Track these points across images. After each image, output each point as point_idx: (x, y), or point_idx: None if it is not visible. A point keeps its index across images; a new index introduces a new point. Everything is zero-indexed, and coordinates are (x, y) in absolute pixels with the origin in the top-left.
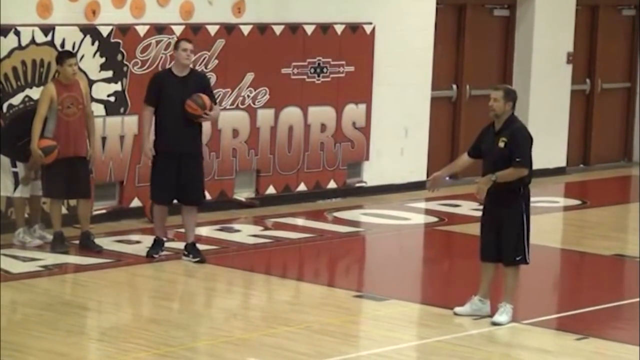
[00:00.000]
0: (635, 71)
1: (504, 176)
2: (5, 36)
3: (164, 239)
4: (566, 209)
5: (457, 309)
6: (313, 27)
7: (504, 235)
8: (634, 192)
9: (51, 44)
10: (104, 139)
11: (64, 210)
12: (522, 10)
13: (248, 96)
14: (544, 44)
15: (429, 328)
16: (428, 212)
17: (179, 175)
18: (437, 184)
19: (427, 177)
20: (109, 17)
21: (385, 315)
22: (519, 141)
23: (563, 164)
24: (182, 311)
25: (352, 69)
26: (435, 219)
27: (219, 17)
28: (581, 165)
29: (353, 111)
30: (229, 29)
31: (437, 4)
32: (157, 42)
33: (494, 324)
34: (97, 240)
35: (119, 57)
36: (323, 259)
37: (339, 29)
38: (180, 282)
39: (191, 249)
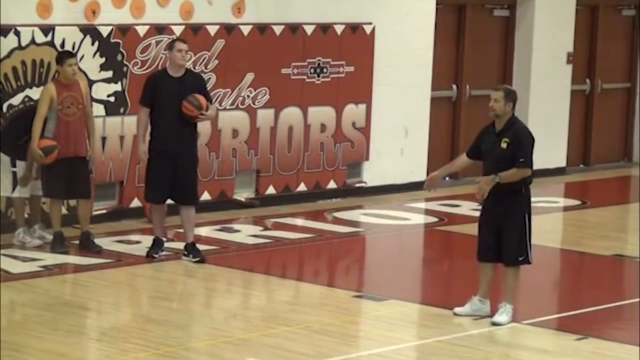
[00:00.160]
0: (635, 71)
1: (508, 177)
2: (5, 36)
3: (164, 238)
4: (566, 209)
5: (457, 309)
6: (313, 27)
7: (505, 235)
8: (634, 192)
9: (51, 44)
10: (104, 139)
11: (63, 211)
12: (522, 10)
13: (248, 96)
14: (544, 44)
15: (429, 328)
16: (428, 212)
17: (173, 175)
18: (434, 184)
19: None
20: (109, 17)
21: (384, 315)
22: (522, 142)
23: (563, 164)
24: (182, 311)
25: (352, 69)
26: (435, 219)
27: (218, 17)
28: (581, 166)
29: (353, 111)
30: (228, 29)
31: (437, 4)
32: (157, 42)
33: (494, 324)
34: (97, 241)
35: (119, 57)
36: (323, 259)
37: (339, 29)
38: (180, 282)
39: (191, 249)
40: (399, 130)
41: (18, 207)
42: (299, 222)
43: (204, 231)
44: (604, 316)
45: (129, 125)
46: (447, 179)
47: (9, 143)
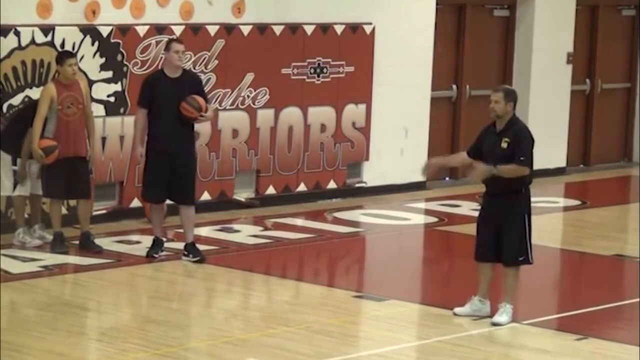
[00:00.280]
0: (635, 71)
1: (505, 171)
2: (5, 36)
3: (163, 238)
4: (566, 209)
5: (457, 310)
6: (313, 27)
7: (505, 235)
8: (634, 192)
9: (51, 44)
10: (104, 139)
11: (63, 211)
12: (522, 10)
13: (248, 96)
14: (544, 44)
15: (429, 328)
16: (428, 212)
17: (171, 175)
18: (431, 170)
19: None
20: (109, 18)
21: (384, 315)
22: (522, 141)
23: (563, 164)
24: (182, 311)
25: (352, 69)
26: (435, 219)
27: (218, 17)
28: (581, 166)
29: (353, 111)
30: (228, 29)
31: (437, 4)
32: (157, 43)
33: (494, 324)
34: (97, 241)
35: (119, 57)
36: (323, 259)
37: (338, 29)
38: (179, 283)
39: (190, 249)
40: (399, 130)
41: (18, 207)
42: (299, 222)
43: (204, 231)
44: (604, 316)
45: (129, 126)
46: (447, 179)
47: (10, 141)
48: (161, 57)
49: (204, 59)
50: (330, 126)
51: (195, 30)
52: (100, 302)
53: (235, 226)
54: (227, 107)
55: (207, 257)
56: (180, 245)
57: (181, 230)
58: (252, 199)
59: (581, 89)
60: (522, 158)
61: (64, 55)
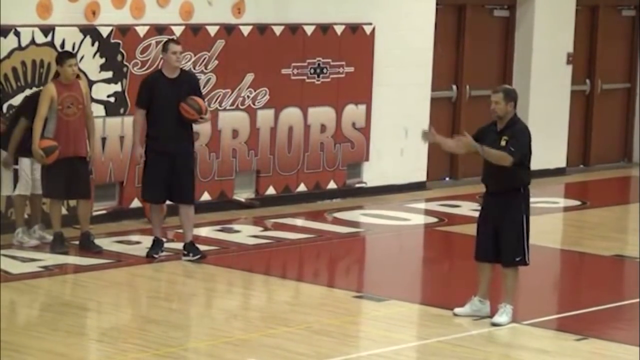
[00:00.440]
0: (635, 72)
1: (489, 153)
2: (5, 36)
3: (163, 239)
4: (566, 209)
5: (457, 310)
6: (313, 27)
7: (503, 235)
8: (633, 192)
9: (51, 44)
10: (103, 139)
11: (63, 211)
12: (522, 10)
13: (248, 97)
14: (544, 44)
15: (429, 328)
16: (428, 212)
17: (171, 175)
18: (429, 138)
19: (427, 177)
20: (108, 18)
21: (384, 315)
22: (518, 137)
23: (563, 164)
24: (182, 312)
25: (352, 69)
26: (435, 220)
27: (218, 17)
28: (581, 166)
29: (353, 112)
30: (228, 30)
31: (437, 4)
32: (157, 43)
33: (494, 324)
34: (97, 241)
35: (119, 57)
36: (323, 260)
37: (338, 29)
38: (179, 283)
39: (190, 248)
40: (399, 130)
41: (18, 206)
42: (299, 222)
43: (204, 231)
44: (604, 316)
45: (129, 126)
46: (447, 179)
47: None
48: (161, 58)
49: (204, 60)
50: (330, 126)
51: (195, 30)
52: (100, 303)
53: (235, 226)
54: (227, 108)
55: (207, 258)
56: (180, 246)
57: (181, 231)
58: (252, 199)
59: (581, 89)
60: (512, 148)
61: (64, 56)
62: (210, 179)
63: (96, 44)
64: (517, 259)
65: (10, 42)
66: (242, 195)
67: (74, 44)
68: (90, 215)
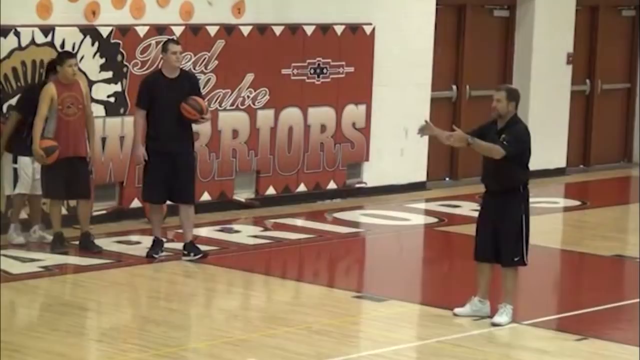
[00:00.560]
0: (635, 72)
1: (480, 145)
2: (5, 37)
3: (163, 239)
4: (566, 209)
5: (457, 310)
6: (313, 27)
7: (503, 235)
8: (633, 192)
9: (51, 44)
10: (104, 139)
11: (63, 211)
12: (522, 10)
13: (248, 97)
14: (544, 45)
15: (429, 329)
16: (428, 212)
17: (171, 175)
18: (427, 131)
19: (427, 177)
20: (108, 18)
21: (384, 315)
22: (516, 134)
23: (563, 164)
24: (182, 312)
25: (352, 69)
26: (435, 220)
27: (218, 17)
28: (581, 166)
29: (353, 112)
30: (228, 30)
31: (437, 4)
32: (157, 43)
33: (494, 324)
34: (97, 241)
35: (119, 57)
36: (323, 260)
37: (338, 29)
38: (179, 283)
39: (190, 248)
40: (399, 130)
41: (17, 205)
42: (299, 222)
43: (204, 232)
44: (604, 317)
45: (129, 126)
46: (447, 179)
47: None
48: (161, 58)
49: (204, 60)
50: (330, 126)
51: (195, 30)
52: (100, 303)
53: (235, 226)
54: (227, 108)
55: (206, 258)
56: (180, 246)
57: (181, 231)
58: (252, 200)
59: (581, 90)
60: (505, 142)
61: (64, 56)
62: (210, 179)
63: (96, 44)
64: (516, 259)
65: (10, 42)
66: (242, 196)
67: (74, 44)
68: (90, 216)
